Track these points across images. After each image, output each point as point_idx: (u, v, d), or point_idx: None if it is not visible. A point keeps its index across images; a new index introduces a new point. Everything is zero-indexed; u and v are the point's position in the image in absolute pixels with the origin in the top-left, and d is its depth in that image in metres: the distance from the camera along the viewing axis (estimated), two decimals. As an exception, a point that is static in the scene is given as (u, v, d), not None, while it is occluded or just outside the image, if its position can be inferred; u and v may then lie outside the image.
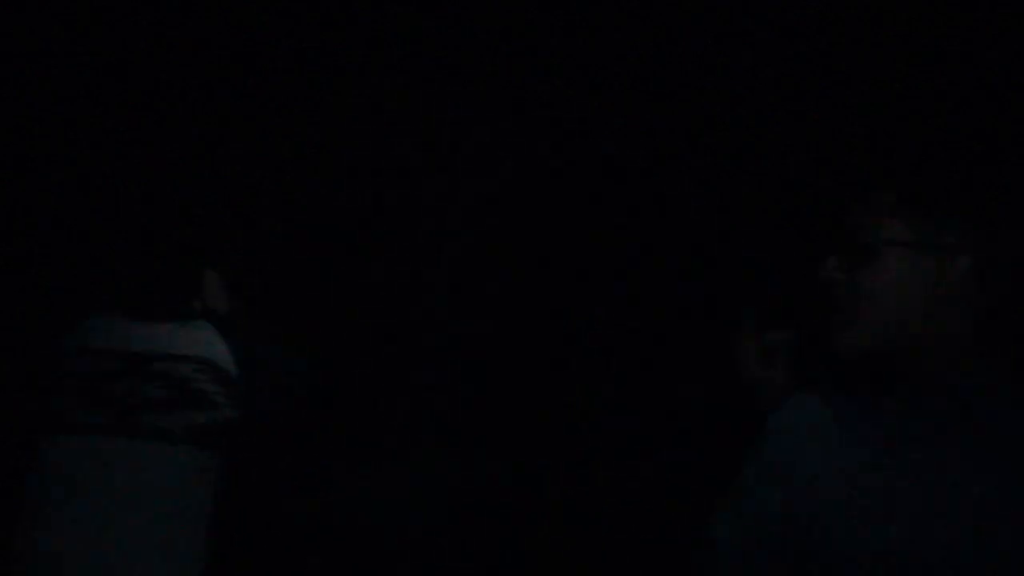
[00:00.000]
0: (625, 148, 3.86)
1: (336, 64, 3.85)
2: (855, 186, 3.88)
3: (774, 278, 3.80)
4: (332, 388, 3.20)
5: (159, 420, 2.63)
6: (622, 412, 3.79)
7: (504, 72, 3.88)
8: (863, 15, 3.80)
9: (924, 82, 3.80)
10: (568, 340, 3.83)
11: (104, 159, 3.65)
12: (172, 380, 2.68)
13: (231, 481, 2.75)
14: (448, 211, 3.84)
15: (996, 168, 1.69)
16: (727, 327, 3.80)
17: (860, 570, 1.49)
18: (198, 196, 3.11)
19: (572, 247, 3.85)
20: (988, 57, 3.80)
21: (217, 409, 2.72)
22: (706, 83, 3.85)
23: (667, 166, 3.86)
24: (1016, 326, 1.64)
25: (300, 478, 3.61)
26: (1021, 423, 1.57)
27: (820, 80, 3.83)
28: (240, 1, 3.82)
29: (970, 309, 1.62)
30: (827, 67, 3.82)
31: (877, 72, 3.82)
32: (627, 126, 3.86)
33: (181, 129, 3.77)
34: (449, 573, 3.71)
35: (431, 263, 3.83)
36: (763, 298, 3.81)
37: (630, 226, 3.86)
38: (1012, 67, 3.80)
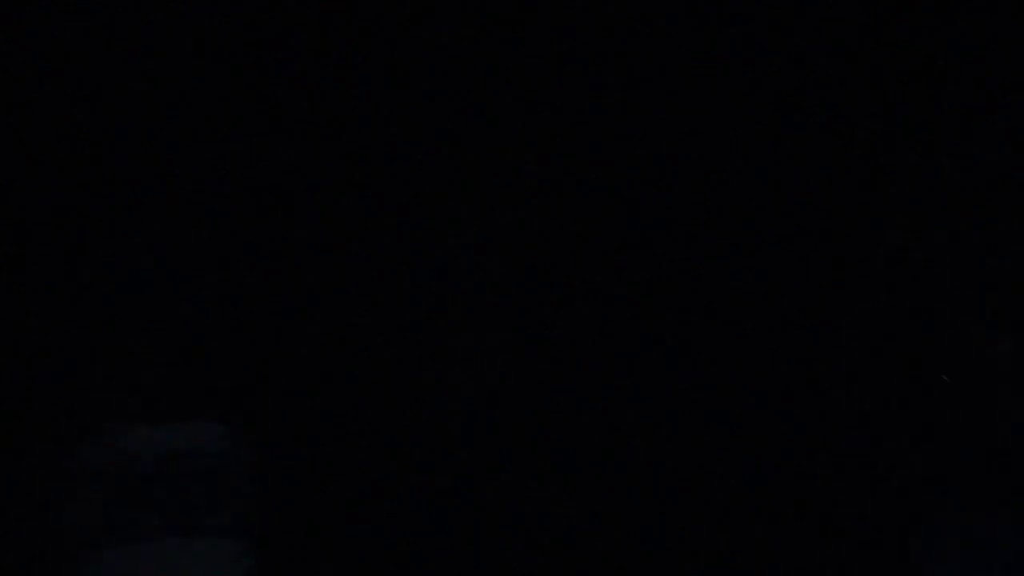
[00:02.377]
0: (637, 154, 3.87)
1: (339, 65, 3.85)
2: (853, 186, 3.88)
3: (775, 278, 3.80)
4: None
5: (204, 517, 2.65)
6: (635, 415, 3.79)
7: (517, 76, 3.88)
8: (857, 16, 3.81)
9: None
10: (576, 344, 3.84)
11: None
12: (207, 478, 2.71)
13: None
14: (458, 218, 3.85)
15: None
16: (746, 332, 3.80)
17: None
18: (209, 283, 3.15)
19: (581, 251, 3.86)
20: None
21: (250, 502, 2.77)
22: (706, 83, 3.85)
23: (679, 172, 3.86)
24: None
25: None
26: None
27: (819, 79, 3.83)
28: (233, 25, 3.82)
29: None
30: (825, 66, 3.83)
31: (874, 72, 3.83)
32: (645, 132, 3.87)
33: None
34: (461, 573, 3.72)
35: (445, 274, 3.83)
36: (765, 298, 3.81)
37: (641, 231, 3.86)
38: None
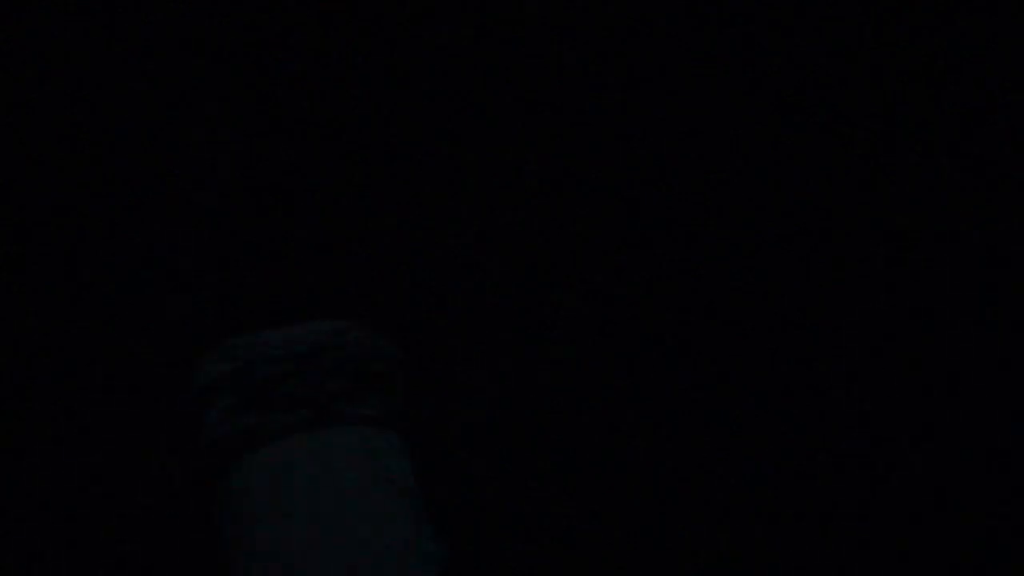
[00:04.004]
0: (630, 149, 3.87)
1: (339, 65, 3.86)
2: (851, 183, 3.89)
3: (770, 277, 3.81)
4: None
5: (352, 408, 2.53)
6: (635, 415, 3.79)
7: (509, 72, 3.88)
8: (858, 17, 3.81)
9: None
10: (576, 344, 3.84)
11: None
12: (347, 368, 2.58)
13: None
14: (455, 214, 3.85)
15: None
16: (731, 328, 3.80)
17: None
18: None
19: (581, 251, 3.86)
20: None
21: (397, 392, 2.66)
22: (706, 82, 3.85)
23: (669, 167, 3.86)
24: None
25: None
26: None
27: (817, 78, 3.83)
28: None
29: None
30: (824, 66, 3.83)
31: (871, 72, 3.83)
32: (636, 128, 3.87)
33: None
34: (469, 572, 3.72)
35: (445, 274, 3.83)
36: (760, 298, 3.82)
37: (641, 231, 3.87)
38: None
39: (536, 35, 3.89)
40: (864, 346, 3.76)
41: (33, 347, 3.67)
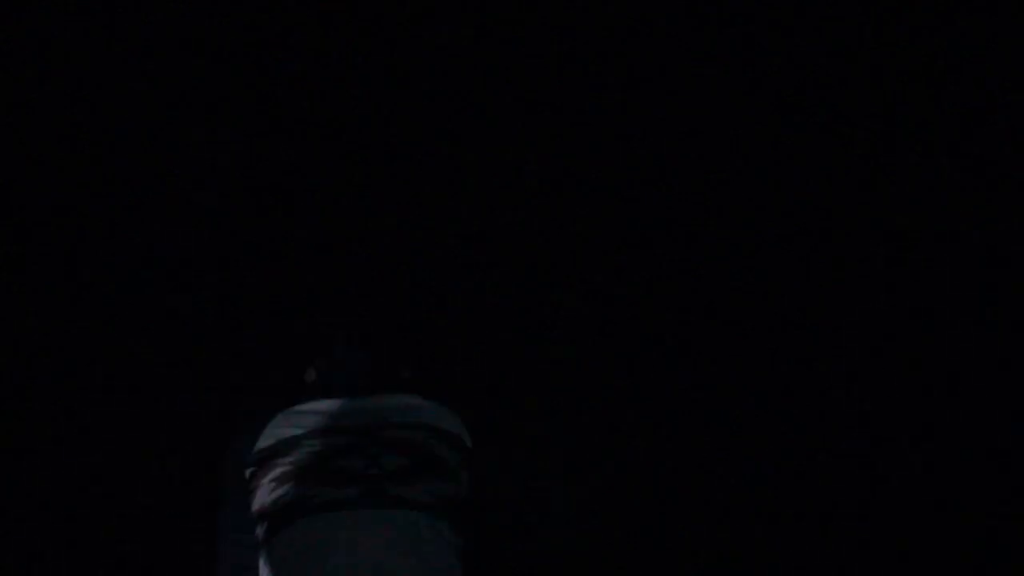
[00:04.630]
0: (627, 148, 3.87)
1: (339, 65, 3.86)
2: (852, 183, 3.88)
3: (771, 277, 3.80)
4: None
5: (403, 490, 2.48)
6: (635, 415, 3.79)
7: (507, 74, 3.88)
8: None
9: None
10: (576, 344, 3.84)
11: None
12: (408, 448, 2.53)
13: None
14: (453, 213, 3.85)
15: None
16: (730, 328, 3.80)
17: None
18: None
19: (581, 251, 3.86)
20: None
21: (458, 478, 2.60)
22: (706, 82, 3.85)
23: (667, 166, 3.86)
24: None
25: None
26: None
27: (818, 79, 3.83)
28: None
29: None
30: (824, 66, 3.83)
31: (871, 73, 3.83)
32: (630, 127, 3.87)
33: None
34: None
35: (444, 270, 3.83)
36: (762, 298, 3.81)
37: (641, 231, 3.86)
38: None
39: (536, 35, 3.88)
40: (864, 346, 3.76)
41: (33, 347, 3.67)
